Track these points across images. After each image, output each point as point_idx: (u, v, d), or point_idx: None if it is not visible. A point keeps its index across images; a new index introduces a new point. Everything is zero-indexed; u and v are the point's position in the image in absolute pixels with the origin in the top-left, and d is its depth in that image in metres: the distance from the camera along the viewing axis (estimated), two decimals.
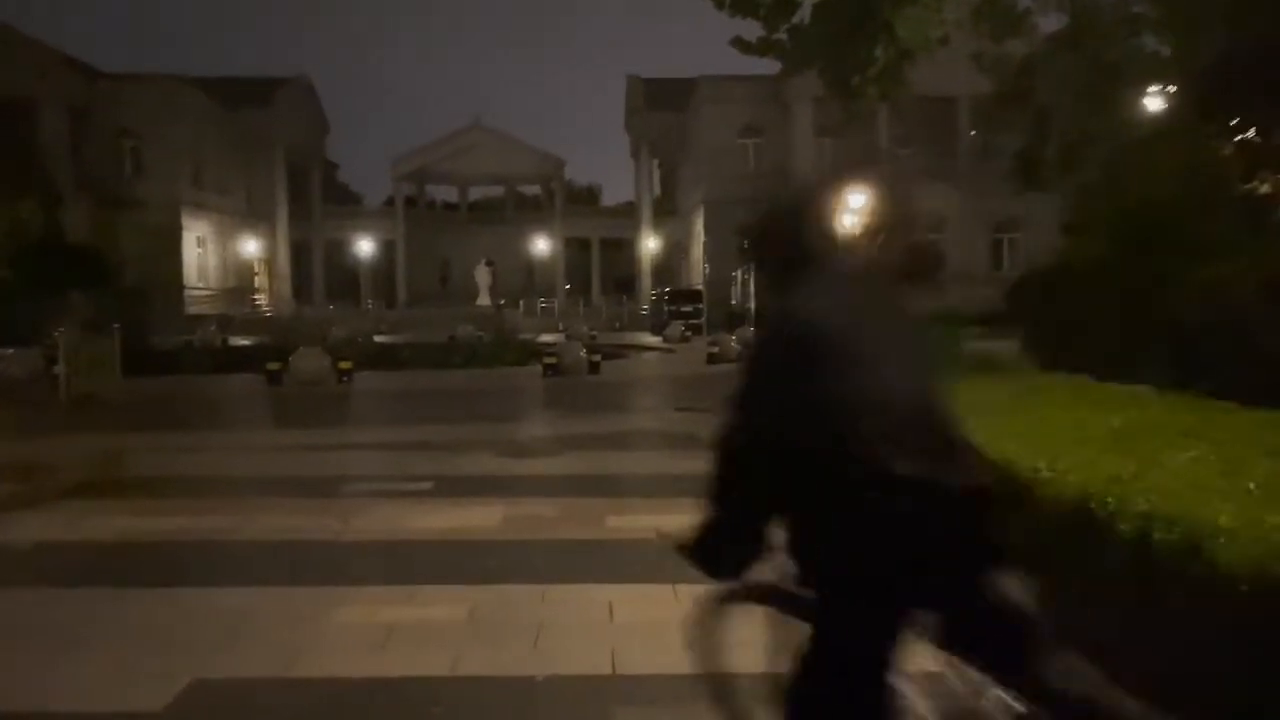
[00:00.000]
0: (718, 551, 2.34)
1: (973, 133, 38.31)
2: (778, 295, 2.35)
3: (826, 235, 2.39)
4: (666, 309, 40.93)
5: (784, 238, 2.39)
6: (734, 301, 38.99)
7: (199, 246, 44.95)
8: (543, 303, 50.65)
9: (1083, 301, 10.66)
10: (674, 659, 3.36)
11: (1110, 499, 3.53)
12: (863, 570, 2.07)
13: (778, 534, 2.25)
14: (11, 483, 8.35)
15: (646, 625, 4.37)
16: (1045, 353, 10.53)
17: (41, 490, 8.16)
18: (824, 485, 2.08)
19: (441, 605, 4.83)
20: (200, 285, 44.47)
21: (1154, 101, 13.38)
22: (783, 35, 11.22)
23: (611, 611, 4.62)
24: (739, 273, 38.21)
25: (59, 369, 16.63)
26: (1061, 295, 11.34)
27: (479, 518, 6.90)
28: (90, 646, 4.43)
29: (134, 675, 4.09)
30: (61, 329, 17.70)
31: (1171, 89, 12.93)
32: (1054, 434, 4.78)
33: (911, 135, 41.08)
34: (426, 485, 8.18)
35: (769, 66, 14.30)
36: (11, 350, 20.74)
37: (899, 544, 2.04)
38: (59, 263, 33.02)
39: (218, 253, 46.98)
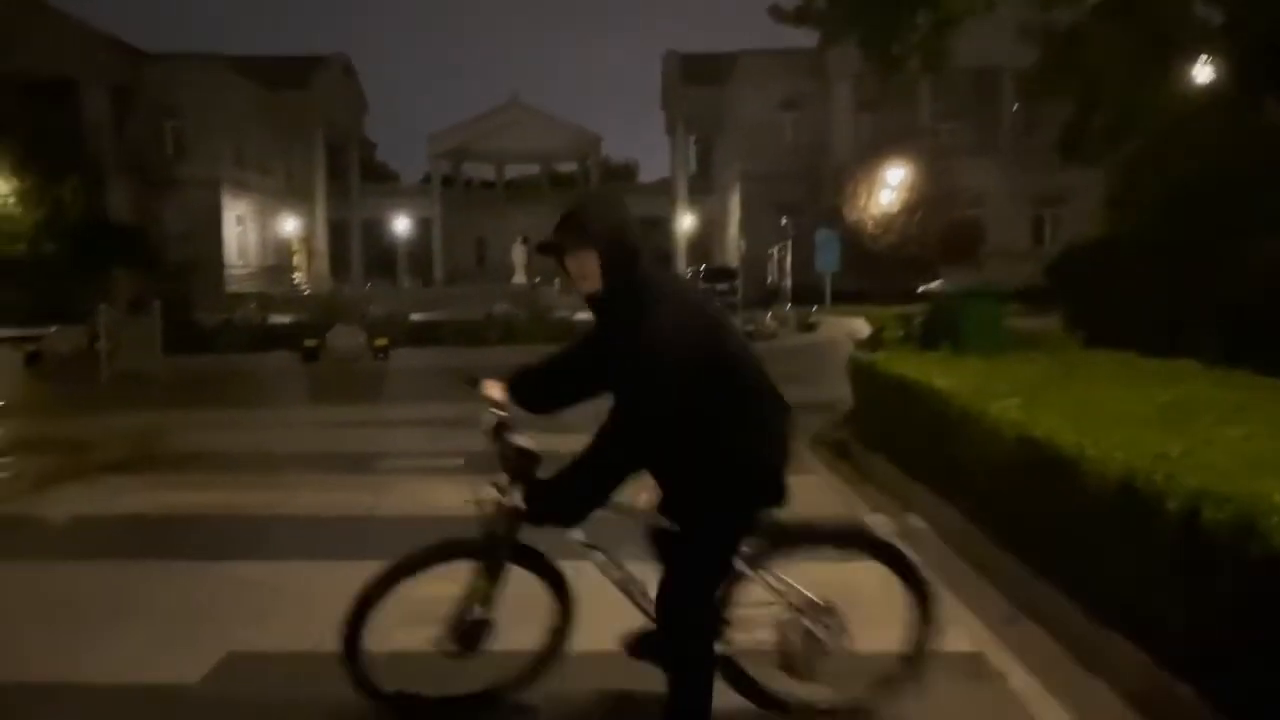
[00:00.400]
0: (579, 504, 2.96)
1: (1015, 106, 37.57)
2: (621, 281, 2.76)
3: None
4: (701, 286, 40.67)
5: (626, 232, 2.80)
6: (770, 279, 38.69)
7: (239, 225, 45.39)
8: None
9: (1128, 276, 10.44)
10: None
11: (1157, 476, 3.42)
12: (749, 478, 2.91)
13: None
14: (53, 457, 8.49)
15: None
16: (1088, 328, 10.31)
17: (82, 465, 8.29)
18: (722, 422, 2.81)
19: None
20: (240, 264, 44.92)
21: (1205, 71, 12.98)
22: (821, 2, 10.99)
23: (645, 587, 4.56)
24: (775, 249, 37.88)
25: (101, 346, 16.91)
26: (1106, 270, 11.11)
27: None
28: (127, 619, 4.48)
29: (170, 647, 4.13)
30: (104, 306, 17.99)
31: (1223, 58, 12.54)
32: (1098, 411, 4.65)
33: (952, 109, 40.41)
34: (459, 461, 8.18)
35: (808, 39, 14.07)
36: (55, 327, 21.17)
37: (777, 449, 2.92)
38: (102, 241, 33.59)
39: (257, 231, 47.42)
